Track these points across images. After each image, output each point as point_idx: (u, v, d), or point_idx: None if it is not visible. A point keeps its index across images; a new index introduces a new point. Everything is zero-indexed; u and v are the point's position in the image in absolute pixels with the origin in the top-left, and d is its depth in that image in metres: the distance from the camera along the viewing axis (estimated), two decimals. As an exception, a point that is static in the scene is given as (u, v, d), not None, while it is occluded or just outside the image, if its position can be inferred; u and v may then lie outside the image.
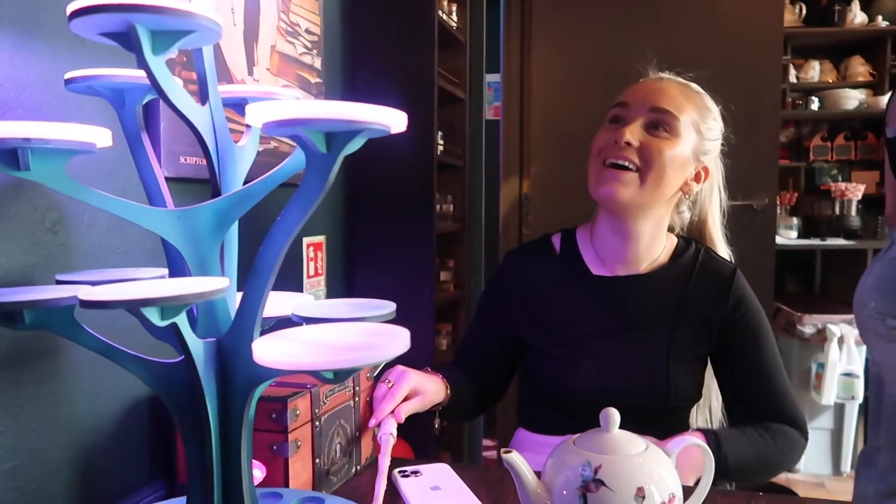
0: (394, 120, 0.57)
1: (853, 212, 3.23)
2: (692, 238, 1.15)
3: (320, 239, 1.54)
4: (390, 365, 1.08)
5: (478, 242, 2.43)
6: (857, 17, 3.20)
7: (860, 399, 2.73)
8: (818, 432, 2.88)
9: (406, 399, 0.99)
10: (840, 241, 3.14)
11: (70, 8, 0.50)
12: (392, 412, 0.98)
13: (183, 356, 0.61)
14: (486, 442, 3.00)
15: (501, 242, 2.66)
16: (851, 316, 1.76)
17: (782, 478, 2.64)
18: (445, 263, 2.11)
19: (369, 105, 0.55)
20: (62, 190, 0.59)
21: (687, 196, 1.10)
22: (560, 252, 1.15)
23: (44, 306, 0.58)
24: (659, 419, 1.05)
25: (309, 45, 1.36)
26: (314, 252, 1.49)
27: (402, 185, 1.69)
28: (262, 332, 0.68)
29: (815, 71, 3.37)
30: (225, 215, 0.66)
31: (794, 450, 1.04)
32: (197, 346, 0.61)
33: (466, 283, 2.24)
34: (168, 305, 0.51)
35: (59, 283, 0.72)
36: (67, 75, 0.68)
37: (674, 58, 2.44)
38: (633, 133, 1.01)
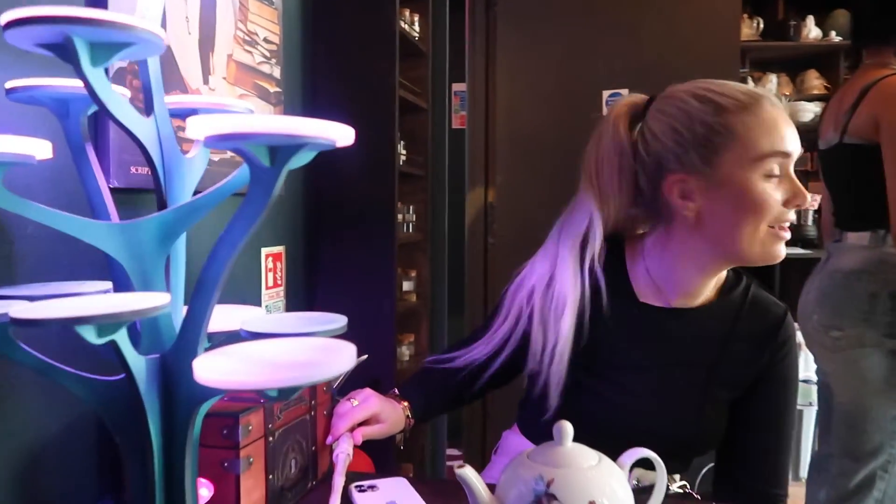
0: (339, 134, 0.57)
1: (810, 221, 3.28)
2: (740, 271, 1.06)
3: (279, 249, 1.52)
4: (357, 381, 1.08)
5: (441, 252, 2.43)
6: (812, 31, 3.27)
7: (817, 405, 2.78)
8: (777, 438, 2.93)
9: (366, 423, 0.99)
10: (798, 251, 3.18)
11: (4, 18, 0.48)
12: (351, 431, 0.97)
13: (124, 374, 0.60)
14: (452, 451, 2.98)
15: (467, 254, 2.67)
16: (808, 323, 1.80)
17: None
18: (408, 273, 2.11)
19: (313, 119, 0.54)
20: (-3, 203, 0.58)
21: None
22: (604, 268, 1.00)
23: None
24: (680, 456, 1.02)
25: (267, 55, 1.35)
26: (273, 263, 1.47)
27: (363, 194, 1.69)
28: (212, 348, 0.66)
29: (772, 84, 3.43)
30: (170, 228, 0.65)
31: None
32: (138, 363, 0.59)
33: (429, 293, 2.24)
34: (104, 323, 0.50)
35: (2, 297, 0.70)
36: (8, 85, 0.66)
37: (635, 70, 2.47)
38: None
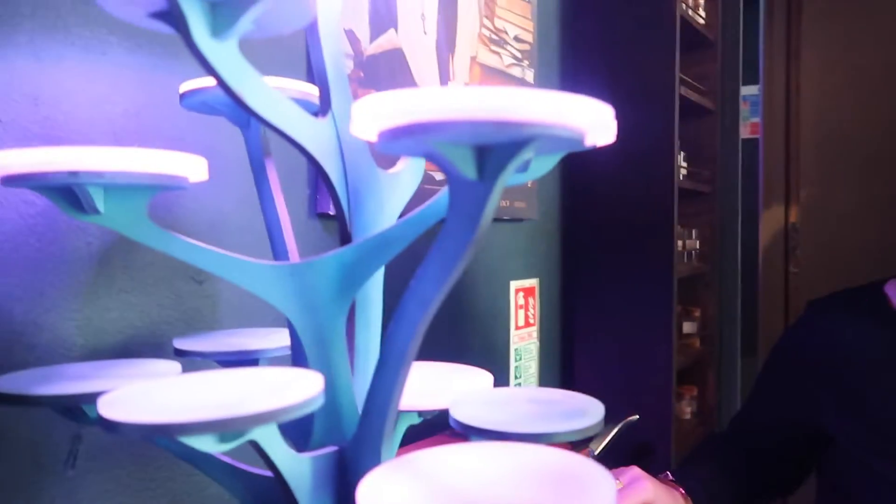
0: (589, 119, 0.33)
1: None
2: None
3: (532, 283, 1.31)
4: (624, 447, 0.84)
5: (732, 286, 2.03)
6: None
7: None
8: None
9: None
10: None
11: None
12: None
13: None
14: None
15: (761, 284, 2.24)
16: None
17: None
18: (689, 313, 1.76)
19: (545, 92, 0.31)
20: (137, 237, 0.44)
21: None
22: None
23: (65, 403, 0.43)
24: None
25: (519, 56, 1.16)
26: (524, 299, 1.27)
27: (633, 216, 1.41)
28: (407, 444, 0.48)
29: None
30: (353, 271, 0.47)
31: None
32: (293, 463, 0.42)
33: (717, 337, 1.86)
34: (215, 432, 0.32)
35: (176, 352, 0.58)
36: (183, 88, 0.54)
37: None
38: None
